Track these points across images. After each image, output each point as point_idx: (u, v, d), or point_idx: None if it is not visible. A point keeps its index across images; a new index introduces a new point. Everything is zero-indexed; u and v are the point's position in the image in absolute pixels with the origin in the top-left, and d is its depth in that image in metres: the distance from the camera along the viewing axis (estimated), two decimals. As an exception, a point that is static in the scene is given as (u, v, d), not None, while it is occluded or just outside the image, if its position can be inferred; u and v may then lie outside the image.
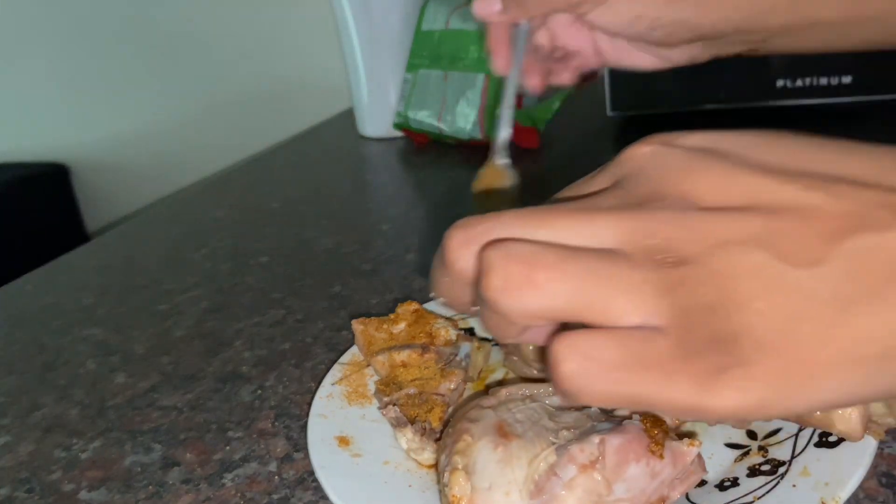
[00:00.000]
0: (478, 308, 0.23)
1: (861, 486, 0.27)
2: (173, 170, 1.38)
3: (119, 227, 0.71)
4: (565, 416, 0.27)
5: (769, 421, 0.20)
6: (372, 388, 0.35)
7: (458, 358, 0.35)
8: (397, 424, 0.31)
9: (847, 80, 0.68)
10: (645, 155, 0.22)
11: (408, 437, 0.30)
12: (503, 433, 0.25)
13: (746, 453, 0.29)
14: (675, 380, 0.19)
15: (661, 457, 0.24)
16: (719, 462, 0.29)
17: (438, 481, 0.28)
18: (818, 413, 0.27)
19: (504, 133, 0.45)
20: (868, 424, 0.26)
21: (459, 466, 0.25)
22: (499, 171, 0.44)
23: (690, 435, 0.27)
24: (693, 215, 0.20)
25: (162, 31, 1.30)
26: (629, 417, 0.26)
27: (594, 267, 0.20)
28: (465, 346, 0.36)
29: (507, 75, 0.44)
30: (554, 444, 0.25)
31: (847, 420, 0.26)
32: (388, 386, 0.33)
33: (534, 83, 0.46)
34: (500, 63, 0.44)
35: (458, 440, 0.26)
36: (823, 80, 0.70)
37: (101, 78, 1.37)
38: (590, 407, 0.28)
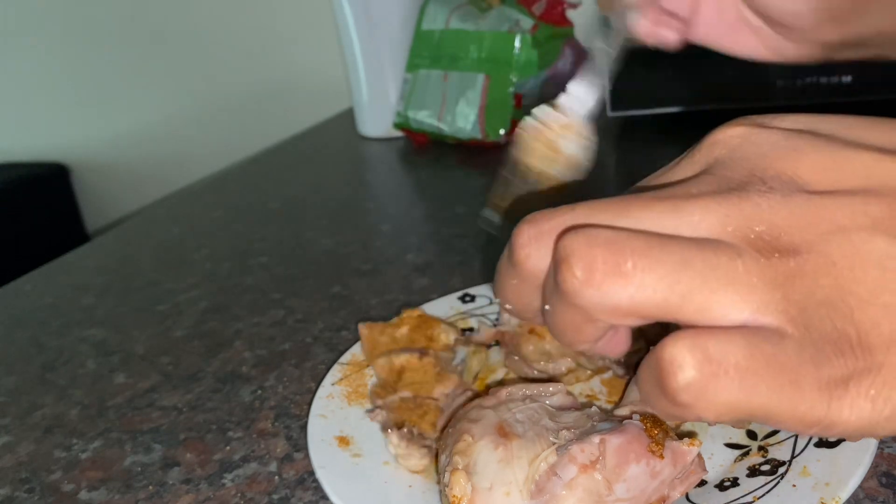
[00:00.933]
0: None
1: (861, 487, 0.27)
2: (173, 170, 1.38)
3: (119, 227, 0.71)
4: (565, 416, 0.27)
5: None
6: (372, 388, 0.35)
7: (454, 363, 0.35)
8: (384, 428, 0.31)
9: (847, 79, 0.68)
10: (736, 136, 0.20)
11: (394, 442, 0.29)
12: (504, 433, 0.25)
13: (746, 453, 0.29)
14: (802, 386, 0.16)
15: (662, 457, 0.24)
16: (719, 462, 0.29)
17: (439, 482, 0.28)
18: None
19: (591, 92, 0.31)
20: None
21: (460, 466, 0.24)
22: (557, 148, 0.30)
23: (690, 435, 0.27)
24: (803, 199, 0.17)
25: (162, 32, 1.30)
26: (629, 417, 0.26)
27: (691, 256, 0.17)
28: (462, 351, 0.36)
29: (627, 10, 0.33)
30: (554, 444, 0.25)
31: None
32: (384, 389, 0.33)
33: (648, 27, 0.34)
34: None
35: (459, 440, 0.26)
36: (823, 80, 0.70)
37: (101, 78, 1.37)
38: (591, 406, 0.28)
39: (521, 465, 0.24)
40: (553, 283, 0.18)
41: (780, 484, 0.26)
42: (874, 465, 0.28)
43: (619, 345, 0.21)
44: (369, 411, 0.32)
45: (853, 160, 0.18)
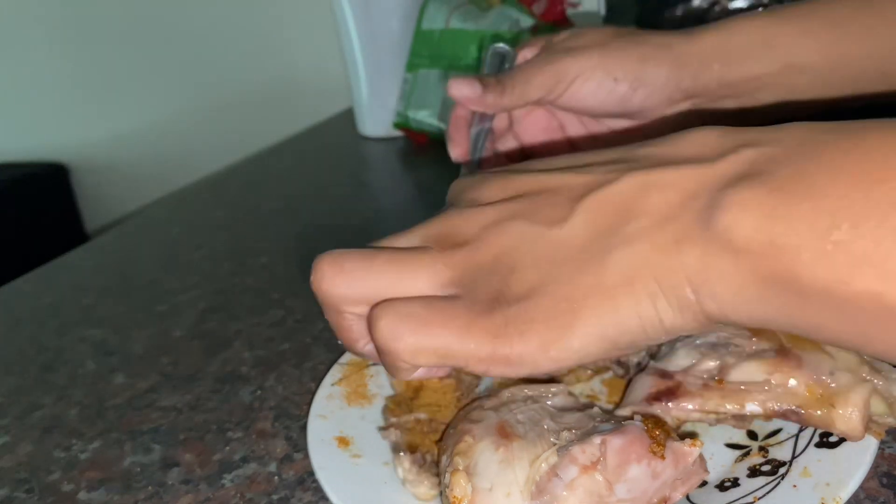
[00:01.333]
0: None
1: (862, 487, 0.27)
2: (173, 170, 1.37)
3: (118, 227, 0.71)
4: (567, 416, 0.27)
5: (561, 367, 0.23)
6: (372, 389, 0.35)
7: (478, 389, 0.33)
8: (395, 450, 0.30)
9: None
10: (454, 186, 0.28)
11: (405, 467, 0.29)
12: (505, 434, 0.25)
13: (747, 454, 0.29)
14: (472, 333, 0.23)
15: (663, 457, 0.24)
16: (720, 462, 0.29)
17: (439, 482, 0.28)
18: (818, 412, 0.27)
19: None
20: (868, 424, 0.26)
21: (461, 467, 0.25)
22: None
23: (692, 435, 0.27)
24: (473, 209, 0.25)
25: (161, 31, 1.30)
26: (630, 418, 0.26)
27: (396, 256, 0.25)
28: (489, 378, 0.35)
29: (463, 165, 0.43)
30: (555, 444, 0.25)
31: (848, 420, 0.26)
32: (398, 406, 0.32)
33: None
34: (457, 151, 0.43)
35: (460, 441, 0.26)
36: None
37: (100, 77, 1.37)
38: (592, 407, 0.28)
39: (521, 466, 0.24)
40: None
41: (780, 484, 0.26)
42: (875, 466, 0.28)
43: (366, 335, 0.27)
44: (382, 429, 0.32)
45: (515, 179, 0.25)
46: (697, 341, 0.30)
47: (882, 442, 0.28)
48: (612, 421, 0.26)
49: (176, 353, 0.44)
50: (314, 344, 0.43)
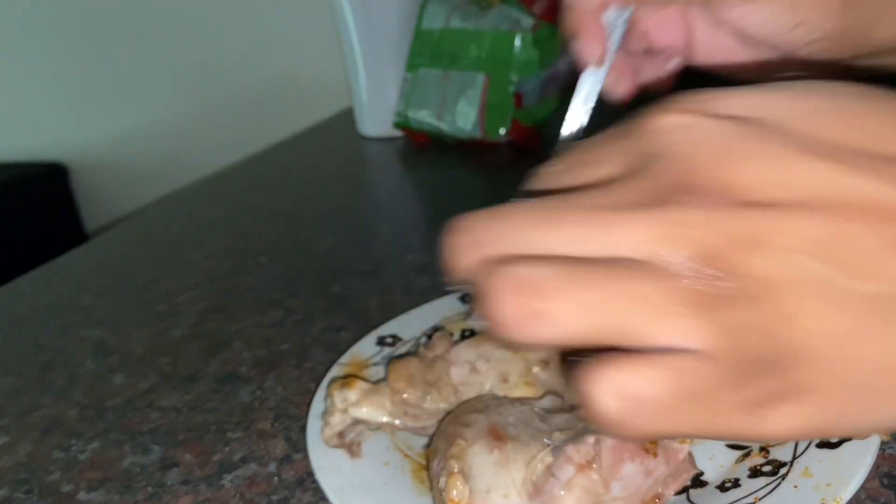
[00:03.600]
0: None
1: (863, 487, 0.27)
2: (172, 169, 1.37)
3: (118, 227, 0.71)
4: (556, 418, 0.27)
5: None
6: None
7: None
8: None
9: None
10: (672, 129, 0.18)
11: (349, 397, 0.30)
12: (497, 436, 0.25)
13: (748, 454, 0.29)
14: (725, 410, 0.16)
15: (656, 455, 0.24)
16: (720, 463, 0.29)
17: (432, 487, 0.27)
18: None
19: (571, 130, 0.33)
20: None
21: (456, 470, 0.25)
22: None
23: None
24: (738, 214, 0.16)
25: (161, 31, 1.30)
26: None
27: (616, 286, 0.16)
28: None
29: (600, 68, 0.34)
30: (549, 445, 0.25)
31: None
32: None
33: (626, 86, 0.35)
34: (594, 52, 0.33)
35: (452, 444, 0.26)
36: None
37: (100, 77, 1.37)
38: (580, 408, 0.28)
39: (517, 468, 0.24)
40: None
41: (781, 485, 0.26)
42: (876, 466, 0.28)
43: None
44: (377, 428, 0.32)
45: (794, 166, 0.16)
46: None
47: (883, 443, 0.28)
48: None
49: (175, 354, 0.44)
50: (314, 344, 0.43)
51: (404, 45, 0.86)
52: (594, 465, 0.24)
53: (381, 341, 0.39)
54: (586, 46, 0.33)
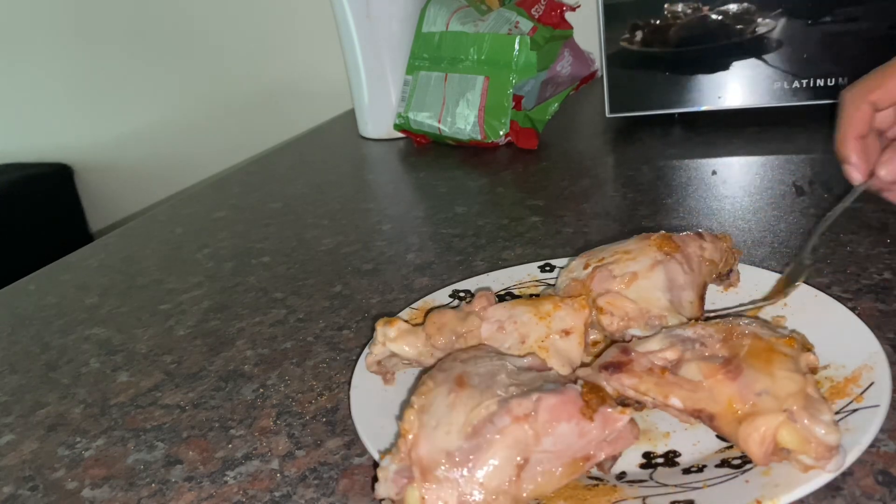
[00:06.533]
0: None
1: (858, 485, 0.27)
2: (176, 170, 1.38)
3: (122, 227, 0.72)
4: (523, 376, 0.29)
5: None
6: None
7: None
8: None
9: (843, 81, 0.68)
10: None
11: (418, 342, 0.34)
12: (460, 383, 0.28)
13: (731, 447, 0.29)
14: None
15: (592, 419, 0.27)
16: (700, 450, 0.30)
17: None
18: (727, 424, 0.27)
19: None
20: (778, 452, 0.26)
21: (416, 406, 0.28)
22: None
23: (627, 404, 0.29)
24: None
25: (165, 34, 1.31)
26: (574, 381, 0.29)
27: None
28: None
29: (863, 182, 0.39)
30: (499, 396, 0.27)
31: (745, 439, 0.26)
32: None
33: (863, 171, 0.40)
34: (859, 171, 0.39)
35: (423, 384, 0.29)
36: (820, 82, 0.70)
37: (105, 79, 1.37)
38: (550, 370, 0.31)
39: (464, 411, 0.27)
40: None
41: (735, 478, 0.27)
42: (871, 463, 0.28)
43: None
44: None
45: None
46: (675, 331, 0.31)
47: (877, 440, 0.28)
48: (560, 383, 0.28)
49: (179, 352, 0.45)
50: (316, 342, 0.43)
51: (405, 47, 0.86)
52: (530, 420, 0.26)
53: (454, 294, 0.43)
54: (855, 168, 0.39)
